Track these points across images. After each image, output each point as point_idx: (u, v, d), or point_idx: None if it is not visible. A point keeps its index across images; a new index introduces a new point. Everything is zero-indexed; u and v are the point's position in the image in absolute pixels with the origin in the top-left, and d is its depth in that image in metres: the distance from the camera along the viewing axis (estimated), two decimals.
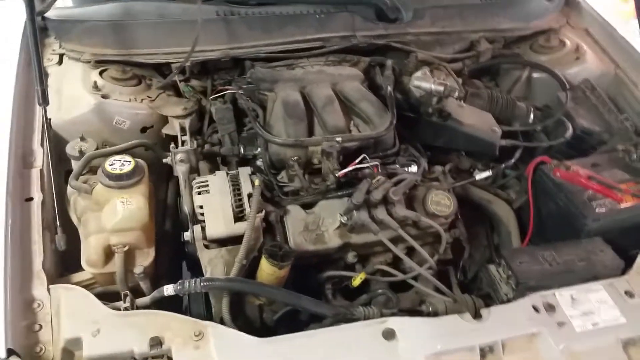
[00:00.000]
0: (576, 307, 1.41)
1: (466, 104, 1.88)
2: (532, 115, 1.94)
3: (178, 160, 1.60)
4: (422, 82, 1.81)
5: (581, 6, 2.37)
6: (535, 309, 1.38)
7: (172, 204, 1.91)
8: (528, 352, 1.32)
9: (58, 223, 1.44)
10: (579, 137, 1.91)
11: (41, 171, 1.53)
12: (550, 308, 1.39)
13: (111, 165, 1.48)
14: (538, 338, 1.33)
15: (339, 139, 1.62)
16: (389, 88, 1.80)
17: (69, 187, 1.55)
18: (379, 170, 1.60)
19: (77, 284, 1.40)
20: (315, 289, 1.63)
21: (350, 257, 1.62)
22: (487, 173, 1.78)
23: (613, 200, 1.65)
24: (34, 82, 1.68)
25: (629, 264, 1.53)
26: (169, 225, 1.82)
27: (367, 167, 1.58)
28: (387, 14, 2.06)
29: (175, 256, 1.88)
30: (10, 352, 1.18)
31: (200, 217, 1.51)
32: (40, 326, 1.27)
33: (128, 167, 1.49)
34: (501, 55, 2.19)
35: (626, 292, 1.44)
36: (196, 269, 1.71)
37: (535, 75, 2.14)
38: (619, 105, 2.07)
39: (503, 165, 1.83)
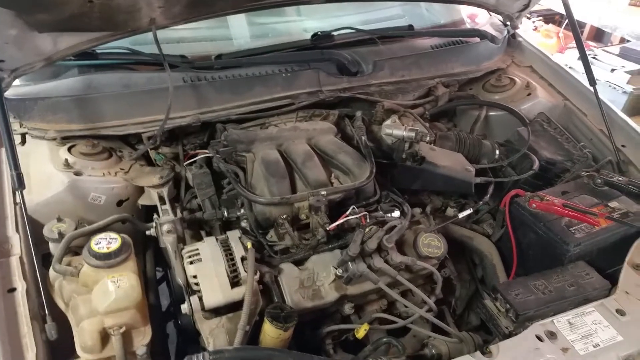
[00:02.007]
0: (575, 331, 1.50)
1: (436, 146, 1.99)
2: (497, 152, 2.07)
3: (165, 231, 1.60)
4: (393, 129, 1.91)
5: (523, 45, 2.60)
6: (539, 338, 1.45)
7: (152, 276, 1.89)
8: None
9: (47, 312, 1.39)
10: (544, 168, 2.05)
11: (21, 259, 1.48)
12: (552, 335, 1.47)
13: (97, 244, 1.46)
14: None
15: (324, 192, 1.67)
16: (364, 138, 1.89)
17: (51, 271, 1.50)
18: (367, 219, 1.66)
19: None
20: (313, 344, 1.65)
21: (347, 308, 1.65)
22: (469, 211, 1.87)
23: (589, 224, 1.79)
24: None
25: (612, 282, 1.65)
26: (152, 298, 1.79)
27: (356, 218, 1.64)
28: (349, 68, 2.18)
29: (161, 328, 1.84)
30: None
31: (195, 287, 1.50)
32: None
33: (115, 245, 1.47)
34: (457, 97, 2.36)
35: (617, 311, 1.54)
36: (188, 340, 1.69)
37: (491, 113, 2.31)
38: (573, 134, 2.26)
39: (481, 202, 1.93)
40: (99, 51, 2.01)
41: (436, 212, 1.99)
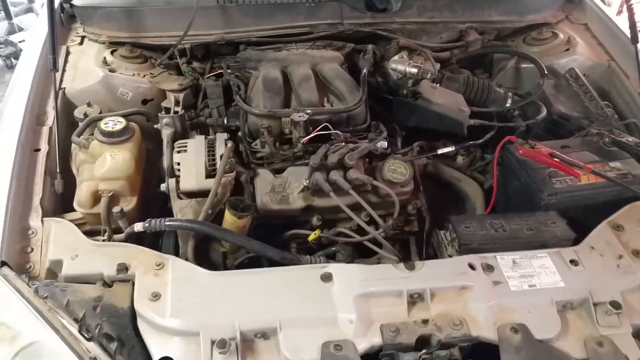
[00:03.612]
0: (516, 269, 1.56)
1: (442, 87, 2.11)
2: (509, 100, 2.12)
3: (164, 124, 1.94)
4: (398, 64, 2.07)
5: (584, 3, 2.55)
6: (472, 266, 1.54)
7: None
8: (456, 303, 1.48)
9: (58, 170, 1.80)
10: (557, 123, 2.07)
11: (50, 128, 1.91)
12: (489, 268, 1.55)
13: (105, 124, 1.85)
14: (469, 292, 1.49)
15: (309, 111, 1.89)
16: (365, 69, 2.07)
17: (72, 143, 1.92)
18: (342, 138, 1.85)
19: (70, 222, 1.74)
20: (280, 246, 1.88)
21: (315, 220, 1.85)
22: (450, 148, 1.99)
23: (574, 177, 1.81)
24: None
25: None
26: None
27: (330, 134, 1.85)
28: (376, 4, 2.33)
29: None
30: (3, 263, 1.52)
31: (177, 173, 1.83)
32: (32, 249, 1.60)
33: (119, 126, 1.84)
34: (491, 46, 2.40)
35: (571, 261, 1.58)
36: None
37: (523, 65, 2.33)
38: (611, 96, 2.23)
39: (470, 142, 2.02)
40: None
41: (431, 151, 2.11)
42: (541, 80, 2.15)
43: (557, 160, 1.81)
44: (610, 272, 1.57)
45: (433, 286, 1.49)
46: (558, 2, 2.53)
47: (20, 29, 6.01)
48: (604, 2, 2.61)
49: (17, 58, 5.74)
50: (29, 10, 6.44)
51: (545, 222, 1.72)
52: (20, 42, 5.65)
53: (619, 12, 5.04)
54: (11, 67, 5.82)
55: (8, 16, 6.12)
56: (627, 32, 2.29)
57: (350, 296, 1.46)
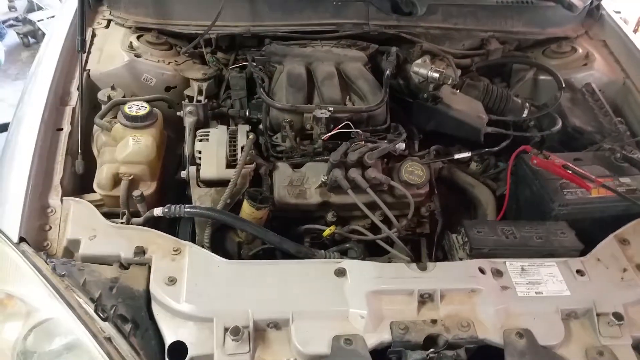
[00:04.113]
0: (524, 276, 1.60)
1: (462, 93, 2.14)
2: (526, 111, 2.16)
3: (187, 112, 1.97)
4: (420, 68, 2.10)
5: (604, 19, 2.59)
6: (482, 270, 1.57)
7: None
8: (465, 305, 1.52)
9: (80, 151, 1.84)
10: (571, 136, 2.11)
11: (73, 109, 1.94)
12: (498, 273, 1.59)
13: (129, 108, 1.88)
14: (477, 295, 1.52)
15: (331, 109, 1.92)
16: (388, 71, 2.10)
17: (95, 125, 1.95)
18: (362, 136, 1.88)
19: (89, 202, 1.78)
20: (295, 240, 1.91)
21: (330, 216, 1.88)
22: (466, 154, 2.03)
23: (585, 189, 1.84)
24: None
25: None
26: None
27: (350, 132, 1.88)
28: (402, 7, 2.37)
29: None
30: (22, 239, 1.54)
31: (197, 161, 1.86)
32: (50, 227, 1.63)
33: (143, 111, 1.87)
34: (512, 56, 2.44)
35: (578, 271, 1.61)
36: None
37: (541, 77, 2.36)
38: (624, 112, 2.27)
39: (486, 149, 2.06)
40: None
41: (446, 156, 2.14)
42: (558, 93, 2.18)
43: (570, 172, 1.86)
44: (615, 285, 1.61)
45: (443, 287, 1.53)
46: (580, 17, 2.56)
47: (39, 8, 6.03)
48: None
49: (34, 37, 5.82)
50: None
51: (554, 231, 1.76)
52: (39, 20, 5.66)
53: (636, 30, 5.09)
54: (28, 45, 5.84)
55: None
56: None
57: (363, 292, 1.49)
